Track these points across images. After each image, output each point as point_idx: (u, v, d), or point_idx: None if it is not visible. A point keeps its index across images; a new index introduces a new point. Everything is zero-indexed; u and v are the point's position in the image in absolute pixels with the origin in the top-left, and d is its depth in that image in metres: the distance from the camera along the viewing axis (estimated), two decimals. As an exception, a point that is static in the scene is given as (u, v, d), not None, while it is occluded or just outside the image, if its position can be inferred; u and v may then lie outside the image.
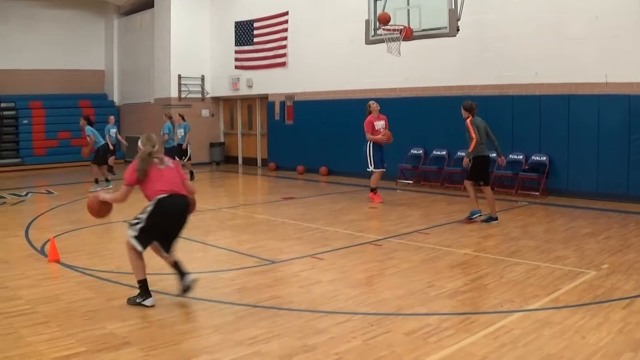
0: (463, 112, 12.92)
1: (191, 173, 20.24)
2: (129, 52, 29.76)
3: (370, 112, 15.54)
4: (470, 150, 12.58)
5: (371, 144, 15.23)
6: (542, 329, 6.33)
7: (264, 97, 25.57)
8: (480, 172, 12.89)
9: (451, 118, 16.45)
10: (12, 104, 26.52)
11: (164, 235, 7.38)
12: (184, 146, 20.40)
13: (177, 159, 19.96)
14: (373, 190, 15.16)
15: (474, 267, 9.06)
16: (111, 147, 21.38)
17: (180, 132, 20.30)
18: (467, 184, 13.07)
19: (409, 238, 11.22)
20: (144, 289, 7.26)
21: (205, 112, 27.72)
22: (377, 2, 16.61)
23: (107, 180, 18.24)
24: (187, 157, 20.32)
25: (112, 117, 22.94)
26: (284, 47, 23.92)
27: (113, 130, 21.82)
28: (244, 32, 25.45)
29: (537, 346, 5.87)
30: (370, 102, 15.68)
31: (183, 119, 20.74)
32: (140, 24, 29.02)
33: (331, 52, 21.82)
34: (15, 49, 26.90)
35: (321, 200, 16.38)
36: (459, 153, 17.41)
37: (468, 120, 12.68)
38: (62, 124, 27.28)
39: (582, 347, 5.82)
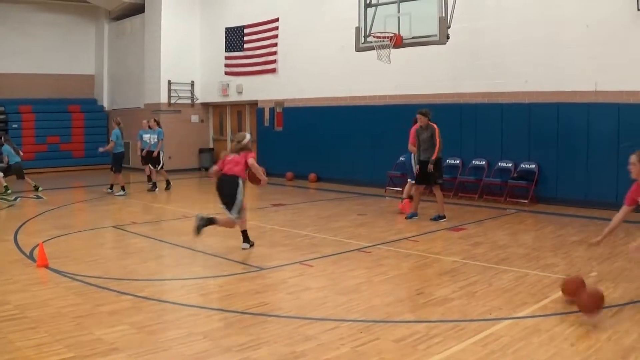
0: (423, 118, 13.77)
1: (167, 182, 20.01)
2: (119, 57, 29.75)
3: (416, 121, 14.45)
4: (435, 156, 13.63)
5: (414, 155, 14.61)
6: (530, 336, 6.34)
7: (253, 104, 25.57)
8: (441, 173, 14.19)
9: (441, 126, 16.51)
10: (2, 108, 26.48)
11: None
12: (154, 153, 19.68)
13: (151, 167, 19.77)
14: (406, 199, 14.90)
15: (463, 275, 9.06)
16: (140, 152, 20.07)
17: (153, 137, 19.58)
18: (436, 188, 14.00)
19: (398, 245, 11.23)
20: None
21: (194, 118, 27.69)
22: (368, 9, 16.64)
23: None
24: (160, 166, 19.66)
25: (144, 122, 20.50)
26: (274, 53, 23.93)
27: (146, 136, 20.16)
28: (234, 38, 25.46)
29: (525, 353, 5.88)
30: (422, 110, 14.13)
31: (158, 124, 20.11)
32: (131, 29, 29.01)
33: (321, 59, 21.85)
34: (6, 53, 26.85)
35: (310, 206, 16.39)
36: (448, 160, 17.50)
37: (436, 126, 13.68)
38: (52, 129, 27.28)
39: (571, 355, 5.83)
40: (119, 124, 18.93)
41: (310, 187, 21.03)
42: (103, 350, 5.96)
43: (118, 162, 18.73)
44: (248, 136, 11.28)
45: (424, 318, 7.05)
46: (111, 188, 18.76)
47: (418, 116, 13.98)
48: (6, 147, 18.39)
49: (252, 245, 10.94)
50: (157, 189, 19.59)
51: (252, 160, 10.90)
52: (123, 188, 18.41)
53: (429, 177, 13.84)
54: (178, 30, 26.75)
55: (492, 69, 17.07)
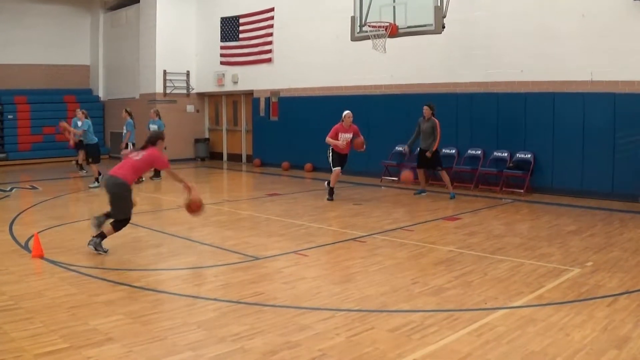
0: (429, 110, 15.64)
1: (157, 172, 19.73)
2: (115, 48, 29.66)
3: None
4: (435, 147, 15.66)
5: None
6: (526, 326, 6.34)
7: (249, 93, 25.53)
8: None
9: (437, 115, 16.48)
10: (-2, 99, 26.44)
11: None
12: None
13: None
14: None
15: (458, 264, 9.06)
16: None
17: (153, 127, 19.67)
18: (442, 173, 15.97)
19: (393, 235, 11.23)
20: None
21: (190, 108, 27.64)
22: (363, -2, 16.62)
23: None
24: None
25: (152, 112, 20.81)
26: (270, 43, 23.89)
27: (153, 127, 20.00)
28: (230, 27, 25.41)
29: (521, 343, 5.88)
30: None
31: (158, 115, 20.26)
32: (126, 19, 28.93)
33: (317, 49, 21.82)
34: (1, 44, 26.75)
35: (306, 196, 16.37)
36: (444, 150, 17.52)
37: (438, 121, 15.66)
38: (47, 119, 27.16)
39: (566, 345, 5.83)
40: (86, 115, 18.58)
41: (306, 177, 21.02)
42: (98, 341, 5.95)
43: (93, 152, 18.49)
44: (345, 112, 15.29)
45: (419, 308, 7.05)
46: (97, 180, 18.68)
47: (425, 108, 15.69)
48: None
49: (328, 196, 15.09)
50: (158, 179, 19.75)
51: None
52: (97, 180, 18.03)
53: (428, 164, 15.94)
54: (173, 20, 26.69)
55: (487, 59, 17.06)
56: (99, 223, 9.68)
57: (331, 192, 15.52)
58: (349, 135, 15.35)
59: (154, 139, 10.15)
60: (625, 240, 10.63)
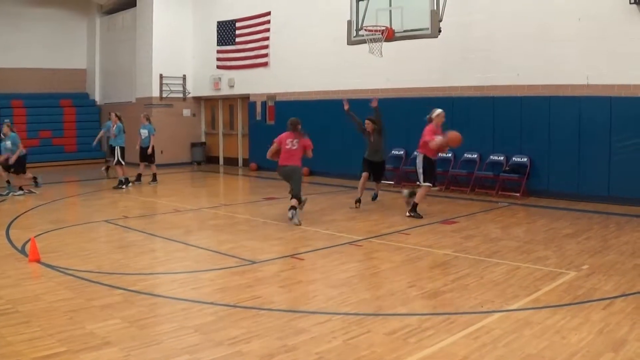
0: (371, 125, 15.26)
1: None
2: (111, 51, 29.65)
3: None
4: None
5: None
6: (522, 329, 6.36)
7: (245, 97, 25.53)
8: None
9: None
10: (-6, 103, 26.40)
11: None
12: (149, 150, 19.54)
13: (143, 163, 19.81)
14: None
15: (455, 268, 9.08)
16: (136, 148, 19.88)
17: (143, 132, 19.69)
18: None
19: (390, 238, 11.23)
20: None
21: (186, 112, 27.63)
22: (360, 2, 16.61)
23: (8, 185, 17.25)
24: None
25: (142, 116, 20.46)
26: (266, 47, 23.90)
27: (143, 131, 19.79)
28: (226, 31, 25.41)
29: (517, 346, 5.89)
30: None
31: (148, 120, 20.00)
32: (123, 23, 28.91)
33: (313, 53, 21.82)
34: (-2, 48, 26.81)
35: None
36: (440, 154, 17.53)
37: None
38: (44, 123, 27.19)
39: (562, 348, 5.84)
40: (11, 128, 17.69)
41: (302, 181, 20.98)
42: (95, 345, 5.96)
43: (23, 164, 17.62)
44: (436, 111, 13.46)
45: (416, 311, 7.06)
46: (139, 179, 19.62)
47: (367, 122, 15.43)
48: None
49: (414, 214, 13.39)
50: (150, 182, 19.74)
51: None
52: (21, 188, 17.47)
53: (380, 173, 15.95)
54: (170, 24, 26.67)
55: (483, 63, 17.08)
56: (298, 207, 12.94)
57: (414, 208, 13.47)
58: (440, 138, 13.13)
59: (296, 123, 13.39)
60: (621, 244, 10.64)
